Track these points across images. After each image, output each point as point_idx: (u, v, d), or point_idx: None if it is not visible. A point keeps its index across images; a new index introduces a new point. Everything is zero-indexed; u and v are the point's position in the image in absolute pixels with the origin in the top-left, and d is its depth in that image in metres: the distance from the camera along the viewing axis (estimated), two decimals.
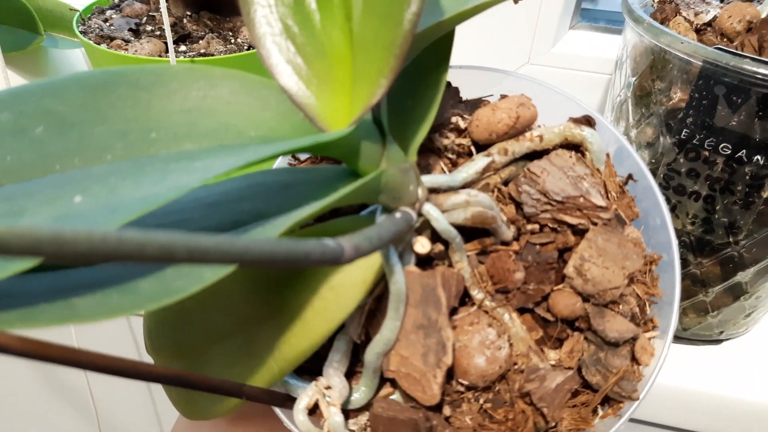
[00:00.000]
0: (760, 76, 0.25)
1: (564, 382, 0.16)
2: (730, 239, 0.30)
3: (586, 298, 0.17)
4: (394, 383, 0.17)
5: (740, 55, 0.26)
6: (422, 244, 0.16)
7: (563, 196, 0.17)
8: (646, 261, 0.18)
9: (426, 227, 0.16)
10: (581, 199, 0.17)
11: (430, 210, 0.16)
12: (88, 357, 0.10)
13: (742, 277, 0.32)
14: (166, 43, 0.35)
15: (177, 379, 0.13)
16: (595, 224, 0.17)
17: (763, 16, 0.28)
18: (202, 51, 0.35)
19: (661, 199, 0.19)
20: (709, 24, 0.30)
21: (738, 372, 0.35)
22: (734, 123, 0.27)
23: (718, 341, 0.37)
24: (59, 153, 0.11)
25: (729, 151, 0.28)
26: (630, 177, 0.20)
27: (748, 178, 0.28)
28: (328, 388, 0.16)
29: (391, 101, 0.16)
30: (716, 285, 0.33)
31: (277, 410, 0.17)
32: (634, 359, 0.17)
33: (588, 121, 0.19)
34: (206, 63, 0.33)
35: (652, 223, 0.19)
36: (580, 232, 0.17)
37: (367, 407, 0.17)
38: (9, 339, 0.08)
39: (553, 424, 0.17)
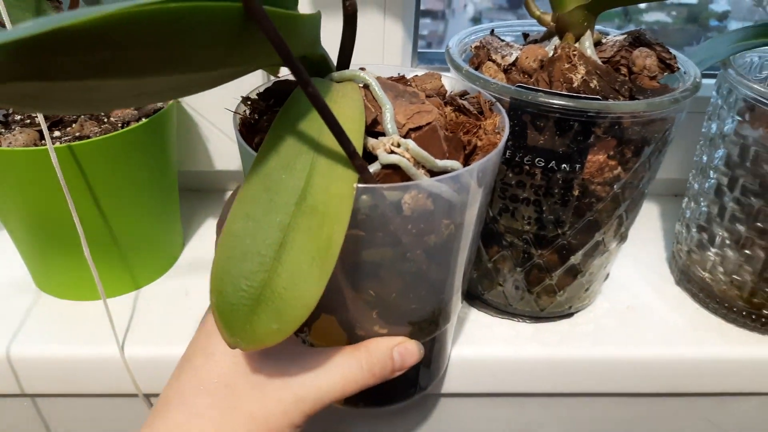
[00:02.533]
0: (553, 106, 0.32)
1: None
2: (559, 231, 0.38)
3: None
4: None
5: (535, 90, 0.33)
6: None
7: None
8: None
9: None
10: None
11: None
12: None
13: (574, 259, 0.39)
14: (38, 131, 0.37)
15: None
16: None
17: (551, 55, 0.35)
18: (77, 134, 0.37)
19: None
20: (513, 64, 0.37)
21: (588, 336, 0.43)
22: (542, 141, 0.34)
23: (570, 314, 0.44)
24: None
25: (543, 164, 0.35)
26: None
27: (560, 182, 0.35)
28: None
29: None
30: (557, 269, 0.40)
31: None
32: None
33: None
34: (84, 146, 0.35)
35: None
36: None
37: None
38: None
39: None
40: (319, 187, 0.22)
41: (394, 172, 0.25)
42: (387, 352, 0.29)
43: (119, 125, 0.38)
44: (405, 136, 0.26)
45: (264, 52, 0.20)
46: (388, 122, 0.25)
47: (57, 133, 0.37)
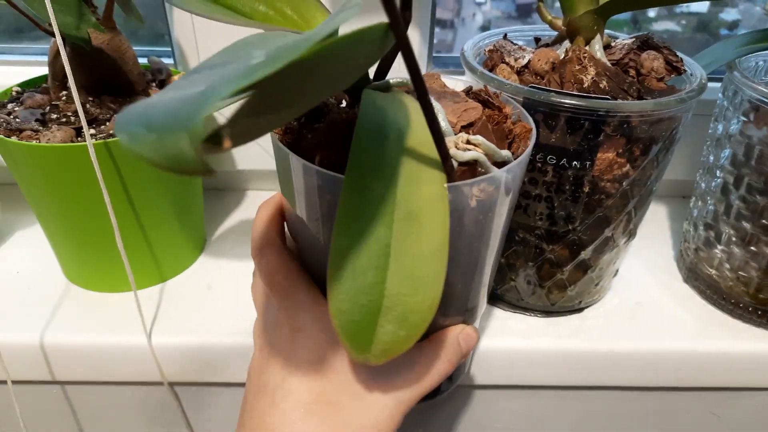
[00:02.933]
0: (564, 105, 0.34)
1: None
2: (570, 227, 0.39)
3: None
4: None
5: (547, 90, 0.34)
6: None
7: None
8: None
9: None
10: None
11: None
12: None
13: (584, 255, 0.41)
14: (75, 129, 0.39)
15: None
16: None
17: (562, 57, 0.37)
18: (111, 131, 0.39)
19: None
20: (526, 66, 0.38)
21: (598, 331, 0.44)
22: (554, 140, 0.35)
23: (580, 309, 0.46)
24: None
25: (554, 161, 0.36)
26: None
27: (571, 179, 0.37)
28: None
29: None
30: (568, 264, 0.41)
31: None
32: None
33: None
34: (119, 143, 0.37)
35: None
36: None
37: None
38: None
39: None
40: (411, 193, 0.23)
41: (468, 168, 0.26)
42: (456, 340, 0.30)
43: None
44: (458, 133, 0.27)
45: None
46: (443, 122, 0.27)
47: (92, 131, 0.39)
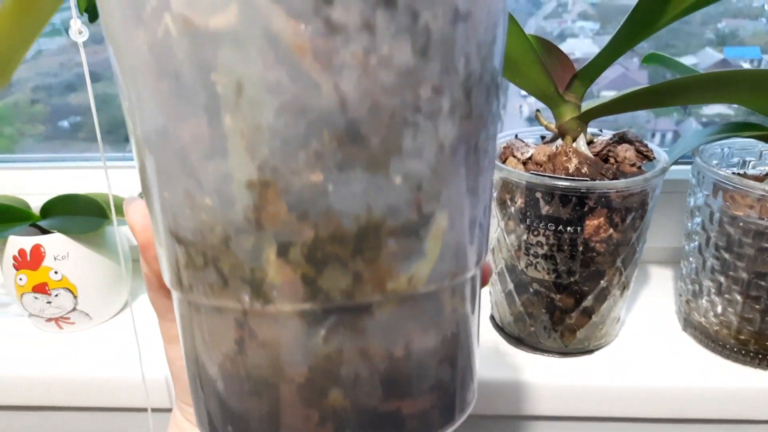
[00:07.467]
0: (556, 186, 0.46)
1: None
2: (571, 279, 0.50)
3: None
4: None
5: (543, 176, 0.47)
6: None
7: None
8: None
9: None
10: None
11: None
12: None
13: (587, 303, 0.51)
14: None
15: None
16: None
17: (555, 151, 0.50)
18: None
19: None
20: (530, 158, 0.51)
21: (606, 369, 0.54)
22: (551, 211, 0.47)
23: (590, 351, 0.55)
24: None
25: (553, 228, 0.48)
26: None
27: (568, 241, 0.48)
28: None
29: None
30: (574, 311, 0.52)
31: None
32: None
33: None
34: None
35: None
36: None
37: None
38: None
39: None
40: None
41: None
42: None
43: None
44: None
45: None
46: None
47: None
